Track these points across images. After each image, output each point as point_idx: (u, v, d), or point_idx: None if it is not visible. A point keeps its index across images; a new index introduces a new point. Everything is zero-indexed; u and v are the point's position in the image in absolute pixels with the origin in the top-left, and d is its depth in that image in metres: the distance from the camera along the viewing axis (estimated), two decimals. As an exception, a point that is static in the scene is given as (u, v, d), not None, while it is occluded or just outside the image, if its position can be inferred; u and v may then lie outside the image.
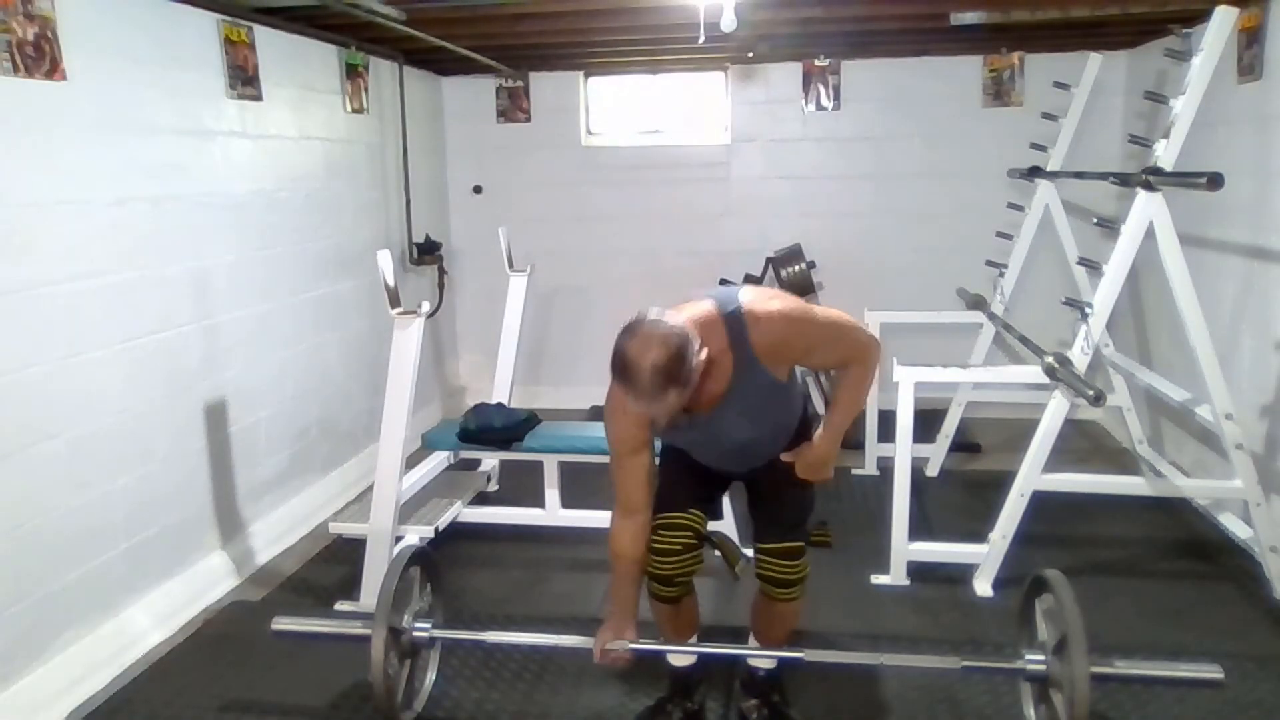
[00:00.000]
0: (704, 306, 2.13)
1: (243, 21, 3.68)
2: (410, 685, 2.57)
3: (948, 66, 5.35)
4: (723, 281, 4.63)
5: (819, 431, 2.32)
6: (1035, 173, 4.53)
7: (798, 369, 2.41)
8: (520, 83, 5.81)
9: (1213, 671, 2.23)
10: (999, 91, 5.39)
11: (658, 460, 2.37)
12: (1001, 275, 4.60)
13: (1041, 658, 2.29)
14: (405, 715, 2.53)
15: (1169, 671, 2.27)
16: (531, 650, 2.96)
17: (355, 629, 2.49)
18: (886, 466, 3.78)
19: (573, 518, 3.78)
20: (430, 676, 2.70)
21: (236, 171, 3.70)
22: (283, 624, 2.59)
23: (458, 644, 2.88)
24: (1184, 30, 3.34)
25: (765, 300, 2.16)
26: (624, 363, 1.99)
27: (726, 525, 3.31)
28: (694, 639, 2.60)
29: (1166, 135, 3.11)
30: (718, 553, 2.44)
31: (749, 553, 2.48)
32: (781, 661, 2.56)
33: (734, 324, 2.12)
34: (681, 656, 2.58)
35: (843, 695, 2.73)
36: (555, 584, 3.52)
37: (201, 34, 3.49)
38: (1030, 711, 2.45)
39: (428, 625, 2.56)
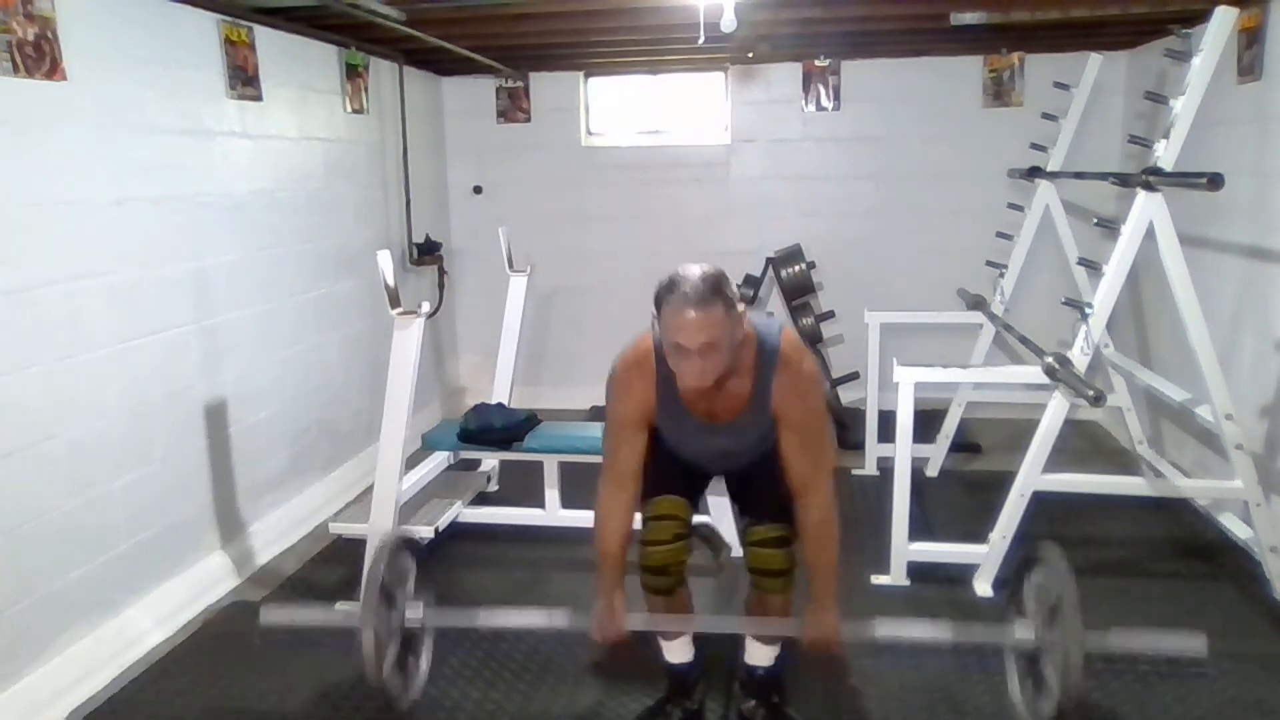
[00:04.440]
0: (747, 329, 2.17)
1: (243, 21, 3.68)
2: (404, 673, 2.48)
3: (948, 66, 5.35)
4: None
5: (810, 610, 2.26)
6: (1035, 173, 4.53)
7: None
8: (520, 83, 5.81)
9: (1196, 648, 2.20)
10: (999, 91, 5.39)
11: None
12: (1001, 275, 4.60)
13: (1031, 629, 2.24)
14: (402, 703, 2.46)
15: (1153, 645, 2.36)
16: (531, 650, 2.96)
17: (344, 619, 2.43)
18: (886, 466, 3.78)
19: (573, 518, 3.77)
20: (424, 665, 2.61)
21: (237, 171, 3.70)
22: (272, 615, 2.54)
23: (453, 639, 2.87)
24: (1184, 30, 3.33)
25: (799, 352, 2.22)
26: (673, 277, 2.05)
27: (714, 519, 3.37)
28: (690, 634, 2.59)
29: (1166, 135, 3.11)
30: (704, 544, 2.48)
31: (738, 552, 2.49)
32: (779, 659, 2.56)
33: (765, 358, 2.18)
34: (679, 652, 2.58)
35: (842, 695, 2.73)
36: (555, 584, 3.52)
37: (201, 34, 3.49)
38: (1016, 688, 2.38)
39: (419, 612, 2.48)
